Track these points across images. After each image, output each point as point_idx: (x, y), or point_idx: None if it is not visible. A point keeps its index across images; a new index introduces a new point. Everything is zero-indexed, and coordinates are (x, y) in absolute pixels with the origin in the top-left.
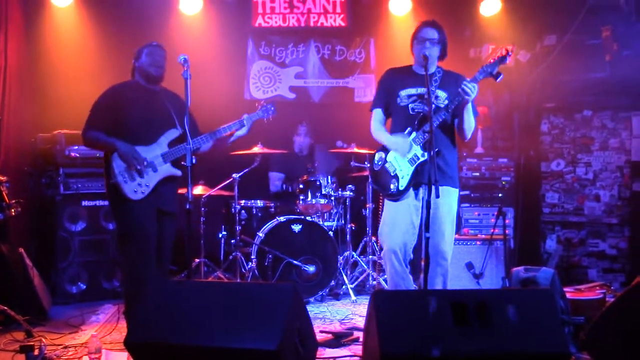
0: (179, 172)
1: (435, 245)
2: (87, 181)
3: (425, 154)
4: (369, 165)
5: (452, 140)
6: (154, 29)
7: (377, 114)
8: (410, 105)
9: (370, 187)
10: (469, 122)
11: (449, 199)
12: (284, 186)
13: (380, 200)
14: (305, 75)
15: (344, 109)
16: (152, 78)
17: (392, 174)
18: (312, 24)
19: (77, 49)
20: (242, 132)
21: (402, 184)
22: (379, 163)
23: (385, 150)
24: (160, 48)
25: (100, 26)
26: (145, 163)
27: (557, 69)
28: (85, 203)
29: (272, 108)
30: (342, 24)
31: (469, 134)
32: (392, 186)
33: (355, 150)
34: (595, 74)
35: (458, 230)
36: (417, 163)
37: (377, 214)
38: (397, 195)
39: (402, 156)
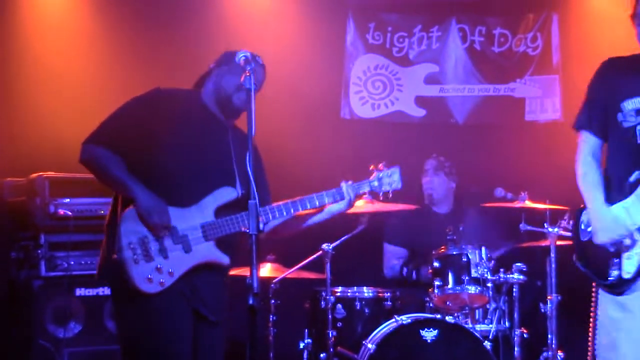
0: (225, 259)
1: None
2: (84, 256)
3: None
4: (572, 228)
5: None
6: (192, 14)
7: (586, 139)
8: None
9: (553, 267)
10: None
11: None
12: (405, 270)
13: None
14: (443, 78)
15: (507, 134)
16: (231, 111)
17: (611, 249)
18: None
19: (70, 49)
20: (341, 206)
21: (629, 268)
22: (590, 229)
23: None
24: (263, 67)
25: (108, 15)
26: (173, 235)
27: None
28: (80, 292)
29: (397, 176)
30: None
31: None
32: (612, 271)
33: (528, 204)
34: None
35: None
36: None
37: (566, 311)
38: (619, 287)
39: (610, 241)
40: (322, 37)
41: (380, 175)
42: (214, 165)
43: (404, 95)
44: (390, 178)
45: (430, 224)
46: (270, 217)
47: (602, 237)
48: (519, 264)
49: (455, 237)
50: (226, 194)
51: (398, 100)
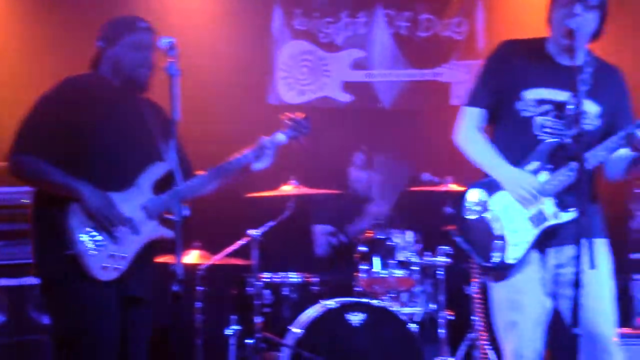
0: (170, 233)
1: (596, 334)
2: (7, 245)
3: (562, 214)
4: (454, 209)
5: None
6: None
7: (474, 115)
8: (540, 118)
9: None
10: (622, 171)
11: (605, 256)
12: (334, 241)
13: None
14: (369, 63)
15: (433, 119)
16: (138, 85)
17: (494, 233)
18: None
19: None
20: (262, 164)
21: (514, 254)
22: (476, 208)
23: (490, 186)
24: (151, 32)
25: (34, 3)
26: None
27: None
28: (4, 282)
29: (305, 124)
30: None
31: (615, 178)
32: (494, 254)
33: (453, 187)
34: None
35: (628, 320)
36: (544, 225)
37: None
38: (500, 270)
39: (525, 206)
40: (249, 23)
41: (291, 123)
42: (140, 143)
43: (331, 80)
44: (301, 125)
45: (355, 205)
46: (199, 188)
47: (520, 191)
48: (444, 247)
49: (380, 222)
50: (158, 170)
51: (325, 87)
